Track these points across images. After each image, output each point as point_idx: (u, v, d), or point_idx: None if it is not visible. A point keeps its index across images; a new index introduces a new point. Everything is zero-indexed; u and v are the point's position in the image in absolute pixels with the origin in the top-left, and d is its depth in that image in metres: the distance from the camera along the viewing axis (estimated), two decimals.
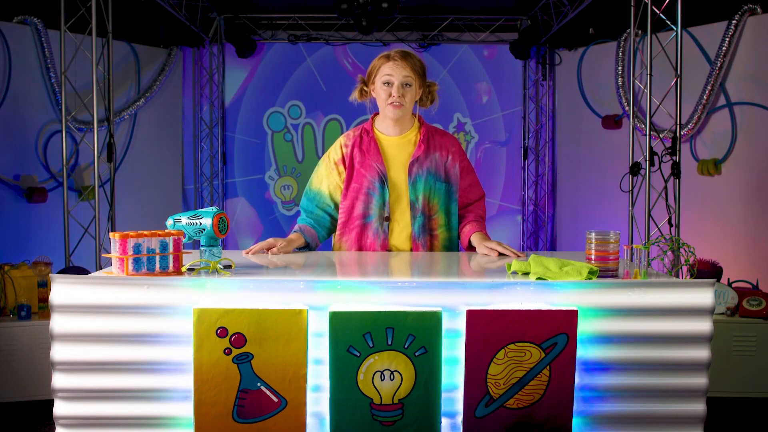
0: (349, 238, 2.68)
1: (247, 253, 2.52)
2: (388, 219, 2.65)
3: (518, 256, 2.42)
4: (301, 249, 2.68)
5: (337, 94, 6.74)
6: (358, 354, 1.81)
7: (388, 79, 2.60)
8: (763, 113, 4.84)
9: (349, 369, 1.81)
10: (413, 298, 1.86)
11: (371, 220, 2.65)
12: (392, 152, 2.69)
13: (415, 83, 2.64)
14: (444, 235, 2.70)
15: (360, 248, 2.66)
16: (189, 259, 2.17)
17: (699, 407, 1.89)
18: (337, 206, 2.74)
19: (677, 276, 2.12)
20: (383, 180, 2.65)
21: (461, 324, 1.83)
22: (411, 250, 2.67)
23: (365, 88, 2.73)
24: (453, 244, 2.74)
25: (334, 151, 2.74)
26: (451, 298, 1.86)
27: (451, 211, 2.72)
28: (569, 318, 1.82)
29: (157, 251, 1.94)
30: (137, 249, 1.90)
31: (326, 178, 2.75)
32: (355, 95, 2.75)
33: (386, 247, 2.65)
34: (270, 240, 2.56)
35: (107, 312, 1.85)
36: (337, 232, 2.71)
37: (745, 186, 4.97)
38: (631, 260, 2.19)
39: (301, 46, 6.76)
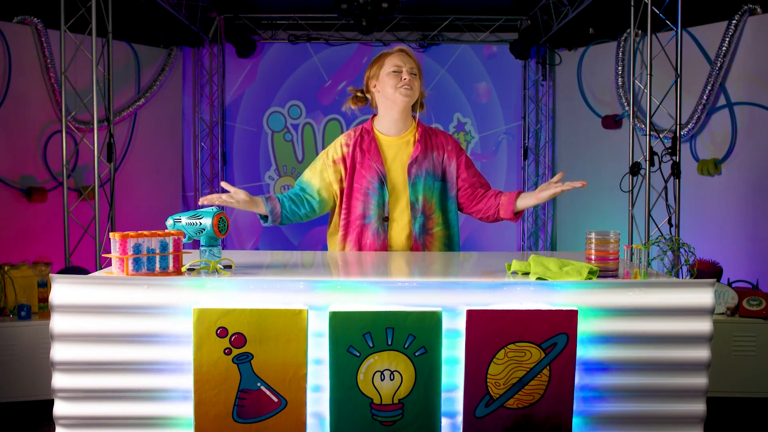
0: (351, 238, 2.69)
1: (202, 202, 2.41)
2: (387, 219, 2.66)
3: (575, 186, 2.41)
4: (262, 217, 2.63)
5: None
6: (358, 354, 1.81)
7: (397, 68, 2.66)
8: (763, 113, 4.84)
9: (349, 369, 1.81)
10: (413, 298, 1.86)
11: (371, 221, 2.66)
12: (391, 153, 2.70)
13: (419, 76, 2.71)
14: (441, 233, 2.71)
15: (360, 248, 2.67)
16: (189, 259, 2.17)
17: (699, 407, 1.89)
18: (320, 202, 2.72)
19: (677, 276, 2.12)
20: (383, 180, 2.66)
21: (461, 324, 1.83)
22: (411, 249, 2.68)
23: (359, 95, 2.79)
24: (451, 242, 2.75)
25: (334, 150, 2.74)
26: (451, 298, 1.86)
27: (447, 208, 2.73)
28: (569, 318, 1.82)
29: (157, 251, 1.94)
30: (137, 249, 1.90)
31: (319, 174, 2.73)
32: (348, 104, 2.81)
33: (386, 247, 2.66)
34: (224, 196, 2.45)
35: (107, 312, 1.85)
36: (340, 232, 2.71)
37: (745, 186, 4.97)
38: (631, 260, 2.19)
39: (301, 46, 6.76)
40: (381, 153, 2.69)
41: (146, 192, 6.20)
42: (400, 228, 2.67)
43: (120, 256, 1.89)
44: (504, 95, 6.88)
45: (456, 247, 2.76)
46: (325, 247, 2.87)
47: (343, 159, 2.71)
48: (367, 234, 2.66)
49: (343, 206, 2.70)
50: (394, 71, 2.66)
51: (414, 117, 2.77)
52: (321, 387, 1.85)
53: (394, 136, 2.72)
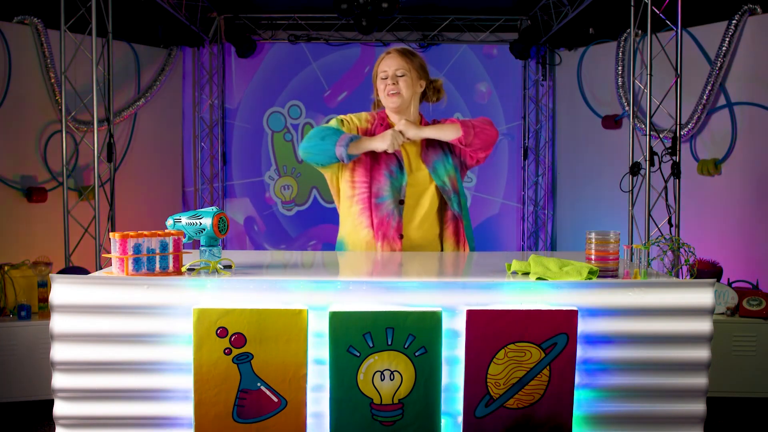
0: (370, 214, 2.65)
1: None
2: (402, 203, 2.66)
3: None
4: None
5: (337, 95, 6.75)
6: (358, 354, 1.81)
7: (383, 74, 2.71)
8: (763, 113, 4.84)
9: (349, 369, 1.81)
10: (413, 298, 1.86)
11: (383, 201, 2.64)
12: (406, 144, 2.72)
13: (410, 75, 2.69)
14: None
15: (374, 228, 2.64)
16: (189, 259, 2.17)
17: (699, 407, 1.89)
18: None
19: (677, 276, 2.12)
20: (401, 164, 2.67)
21: (461, 324, 1.83)
22: (437, 235, 2.70)
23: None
24: (466, 211, 2.76)
25: (358, 120, 2.74)
26: (451, 298, 1.86)
27: (460, 187, 2.77)
28: (569, 318, 1.82)
29: (157, 251, 1.94)
30: (137, 249, 1.90)
31: (347, 131, 2.69)
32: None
33: (400, 230, 2.65)
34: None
35: (107, 312, 1.85)
36: (360, 206, 2.68)
37: (745, 186, 4.97)
38: (631, 260, 2.19)
39: (301, 46, 6.76)
40: None
41: (146, 192, 6.20)
42: (415, 213, 2.68)
43: (120, 256, 1.89)
44: (504, 95, 6.88)
45: (467, 218, 2.77)
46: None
47: (366, 133, 2.71)
48: (377, 213, 2.64)
49: (362, 182, 2.68)
50: (381, 78, 2.72)
51: (420, 114, 2.79)
52: (321, 387, 1.85)
53: None
